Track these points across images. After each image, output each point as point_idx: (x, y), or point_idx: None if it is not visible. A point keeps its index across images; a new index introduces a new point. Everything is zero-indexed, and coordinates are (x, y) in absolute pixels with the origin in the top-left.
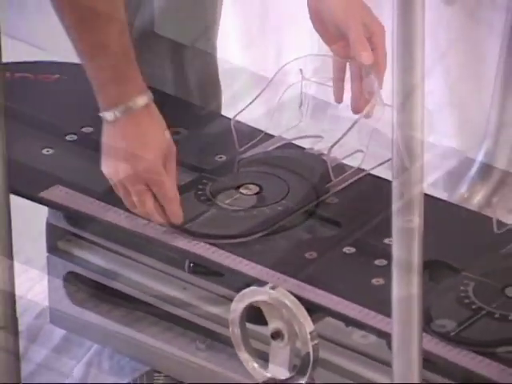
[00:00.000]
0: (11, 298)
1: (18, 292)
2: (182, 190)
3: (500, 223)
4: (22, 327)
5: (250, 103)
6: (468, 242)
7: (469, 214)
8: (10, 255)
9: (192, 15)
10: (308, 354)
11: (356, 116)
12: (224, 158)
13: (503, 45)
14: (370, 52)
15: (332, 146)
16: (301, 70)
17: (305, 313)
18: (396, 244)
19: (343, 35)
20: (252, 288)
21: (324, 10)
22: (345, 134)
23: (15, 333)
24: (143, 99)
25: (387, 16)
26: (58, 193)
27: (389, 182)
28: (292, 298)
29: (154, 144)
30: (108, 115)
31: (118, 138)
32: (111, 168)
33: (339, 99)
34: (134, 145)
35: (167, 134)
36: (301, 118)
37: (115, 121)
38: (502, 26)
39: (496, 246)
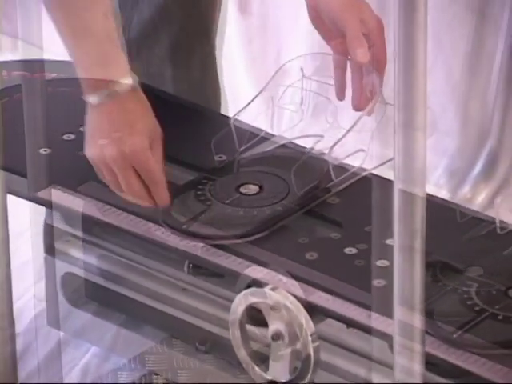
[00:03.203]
0: (9, 300)
1: (15, 293)
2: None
3: (503, 224)
4: (19, 329)
5: (251, 102)
6: (470, 243)
7: (471, 215)
8: (7, 256)
9: (191, 14)
10: (309, 356)
11: (357, 115)
12: (224, 157)
13: (506, 44)
14: (366, 49)
15: (333, 146)
16: (302, 68)
17: (306, 314)
18: (398, 246)
19: (341, 32)
20: (252, 289)
21: (322, 7)
22: (345, 134)
23: (12, 334)
24: (127, 82)
25: (389, 14)
26: (55, 193)
27: (391, 182)
28: (292, 299)
29: (140, 127)
30: (92, 99)
31: (104, 122)
32: (97, 152)
33: (341, 97)
34: (119, 128)
35: (153, 117)
36: (302, 116)
37: (100, 105)
38: (505, 24)
39: (499, 247)
